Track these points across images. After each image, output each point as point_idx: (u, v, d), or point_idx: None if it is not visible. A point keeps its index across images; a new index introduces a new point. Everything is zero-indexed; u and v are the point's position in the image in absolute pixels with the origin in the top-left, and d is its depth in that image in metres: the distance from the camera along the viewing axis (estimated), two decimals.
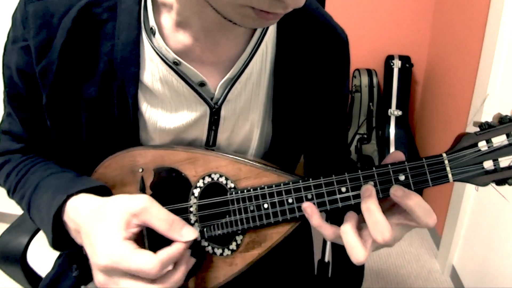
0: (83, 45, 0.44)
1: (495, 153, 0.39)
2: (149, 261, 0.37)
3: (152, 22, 0.44)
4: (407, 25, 1.83)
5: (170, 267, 0.39)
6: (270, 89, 0.51)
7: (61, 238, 0.45)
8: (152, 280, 0.38)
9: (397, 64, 1.78)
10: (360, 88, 1.83)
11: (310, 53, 0.50)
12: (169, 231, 0.39)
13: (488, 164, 0.39)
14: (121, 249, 0.37)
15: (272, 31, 0.48)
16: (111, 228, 0.38)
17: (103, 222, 0.39)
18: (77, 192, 0.44)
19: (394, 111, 1.79)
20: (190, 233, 0.40)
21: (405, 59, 1.79)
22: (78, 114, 0.47)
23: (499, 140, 0.39)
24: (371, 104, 1.84)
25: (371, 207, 0.38)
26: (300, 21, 0.49)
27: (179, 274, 0.40)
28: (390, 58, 1.80)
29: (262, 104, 0.51)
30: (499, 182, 0.40)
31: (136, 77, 0.45)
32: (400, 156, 0.42)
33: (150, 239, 0.46)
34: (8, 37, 0.48)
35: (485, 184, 0.40)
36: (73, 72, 0.45)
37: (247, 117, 0.51)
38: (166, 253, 0.38)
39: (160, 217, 0.39)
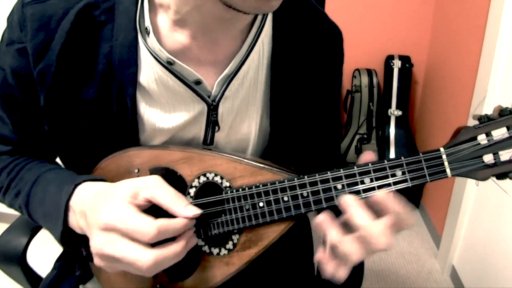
0: (82, 47, 0.44)
1: (495, 146, 0.38)
2: (147, 223, 0.37)
3: (147, 23, 0.44)
4: (407, 25, 1.83)
5: (169, 236, 0.39)
6: (267, 85, 0.51)
7: (69, 232, 0.45)
8: (151, 246, 0.38)
9: (397, 64, 1.78)
10: (360, 88, 1.83)
11: (306, 49, 0.51)
12: (172, 204, 0.39)
13: (488, 158, 0.38)
14: (123, 209, 0.38)
15: (268, 28, 0.49)
16: (117, 194, 0.39)
17: (110, 192, 0.40)
18: (83, 181, 0.44)
19: (394, 111, 1.79)
20: (192, 209, 0.40)
21: (405, 59, 1.79)
22: (76, 116, 0.47)
23: (499, 133, 0.38)
24: (371, 104, 1.84)
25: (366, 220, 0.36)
26: (295, 17, 0.50)
27: (179, 246, 0.39)
28: (390, 58, 1.80)
29: (260, 100, 0.51)
30: (500, 176, 0.38)
31: (134, 78, 0.45)
32: (371, 157, 0.41)
33: None
34: (2, 38, 0.48)
35: (484, 178, 0.39)
36: (71, 74, 0.45)
37: (245, 114, 0.51)
38: (166, 221, 0.38)
39: (166, 192, 0.40)
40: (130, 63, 0.44)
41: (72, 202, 0.43)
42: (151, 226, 0.37)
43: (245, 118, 0.51)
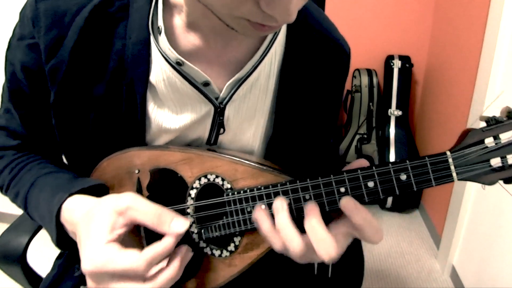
0: (95, 44, 0.44)
1: (503, 150, 0.36)
2: (134, 259, 0.36)
3: (160, 22, 0.44)
4: (407, 25, 1.83)
5: (163, 263, 0.38)
6: (276, 94, 0.51)
7: (64, 236, 0.45)
8: (144, 279, 0.37)
9: (397, 64, 1.78)
10: (360, 88, 1.83)
11: (315, 62, 0.51)
12: (157, 224, 0.38)
13: (495, 162, 0.37)
14: (104, 252, 0.36)
15: (281, 37, 0.49)
16: (95, 232, 0.38)
17: (90, 225, 0.38)
18: (77, 191, 0.44)
19: (394, 111, 1.79)
20: (179, 224, 0.38)
21: (405, 59, 1.79)
22: (85, 112, 0.47)
23: (507, 136, 0.36)
24: (371, 104, 1.84)
25: (314, 224, 0.38)
26: (307, 31, 0.50)
27: (173, 271, 0.38)
28: (390, 58, 1.80)
29: (268, 108, 0.51)
30: (508, 180, 0.37)
31: (145, 77, 0.45)
32: (364, 162, 0.40)
33: (148, 239, 0.46)
34: (13, 33, 0.47)
35: (492, 182, 0.37)
36: (83, 70, 0.45)
37: (252, 120, 0.50)
38: (153, 249, 0.37)
39: (146, 211, 0.38)
40: (142, 62, 0.44)
41: (63, 218, 0.43)
42: (139, 260, 0.36)
43: (252, 124, 0.51)
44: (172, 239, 0.38)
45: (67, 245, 0.46)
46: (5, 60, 0.49)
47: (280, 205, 0.40)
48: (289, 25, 0.49)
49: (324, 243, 0.37)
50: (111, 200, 0.39)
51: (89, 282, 0.38)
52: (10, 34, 0.48)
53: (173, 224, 0.38)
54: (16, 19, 0.47)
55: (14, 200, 0.51)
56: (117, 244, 0.37)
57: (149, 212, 0.38)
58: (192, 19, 0.43)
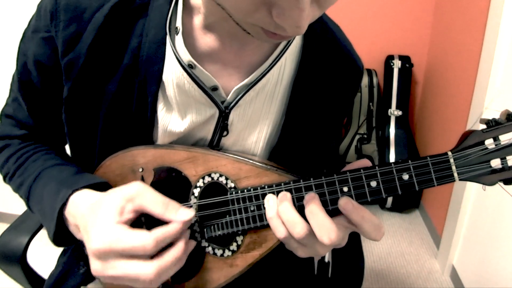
0: (112, 41, 0.44)
1: (503, 151, 0.37)
2: (143, 237, 0.37)
3: (178, 23, 0.44)
4: (407, 25, 1.83)
5: (167, 243, 0.39)
6: (283, 103, 0.51)
7: (63, 232, 0.45)
8: (150, 258, 0.38)
9: (397, 64, 1.78)
10: (360, 88, 1.84)
11: (329, 77, 0.51)
12: (164, 212, 0.39)
13: (496, 163, 0.38)
14: (114, 231, 0.37)
15: (294, 48, 0.49)
16: (105, 214, 0.38)
17: (97, 211, 0.39)
18: (81, 187, 0.44)
19: (394, 111, 1.79)
20: (185, 213, 0.40)
21: (405, 59, 1.79)
22: (97, 109, 0.47)
23: (507, 137, 0.38)
24: (371, 104, 1.84)
25: (314, 209, 0.39)
26: (325, 46, 0.50)
27: (178, 252, 0.39)
28: (390, 58, 1.80)
29: (273, 116, 0.51)
30: (507, 181, 0.38)
31: (159, 76, 0.45)
32: (367, 162, 0.42)
33: (149, 228, 0.46)
34: (29, 24, 0.47)
35: (492, 183, 0.38)
36: (98, 66, 0.45)
37: (256, 126, 0.50)
38: (161, 230, 0.38)
39: (155, 200, 0.39)
40: (157, 61, 0.44)
41: (67, 211, 0.43)
42: (148, 239, 0.37)
43: (255, 129, 0.51)
44: (179, 225, 0.39)
45: (63, 242, 0.46)
46: (18, 50, 0.49)
47: (284, 196, 0.42)
48: (307, 37, 0.49)
49: (324, 227, 0.38)
50: (119, 189, 0.40)
51: (94, 262, 0.38)
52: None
53: (179, 213, 0.40)
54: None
55: (17, 190, 0.51)
56: (124, 224, 0.38)
57: (157, 201, 0.39)
58: (210, 21, 0.43)
